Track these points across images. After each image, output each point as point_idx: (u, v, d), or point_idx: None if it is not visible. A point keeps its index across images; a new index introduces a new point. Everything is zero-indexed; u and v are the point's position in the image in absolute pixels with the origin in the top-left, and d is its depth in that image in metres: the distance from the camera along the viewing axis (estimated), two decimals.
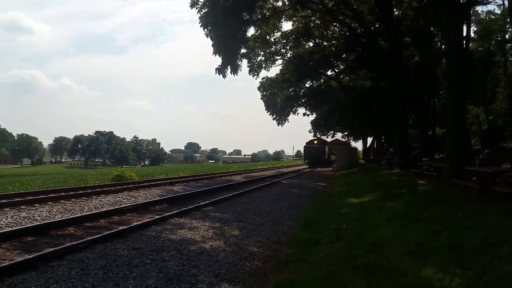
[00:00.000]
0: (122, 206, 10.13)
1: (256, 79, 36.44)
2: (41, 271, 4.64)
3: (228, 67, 23.37)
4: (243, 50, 27.24)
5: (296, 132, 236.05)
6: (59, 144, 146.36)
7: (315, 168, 42.94)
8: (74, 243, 5.78)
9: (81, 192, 14.12)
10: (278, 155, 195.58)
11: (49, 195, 12.78)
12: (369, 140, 50.40)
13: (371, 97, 31.63)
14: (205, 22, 22.16)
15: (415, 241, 5.93)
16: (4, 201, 11.08)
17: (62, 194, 13.45)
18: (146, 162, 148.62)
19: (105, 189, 15.23)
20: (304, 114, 42.06)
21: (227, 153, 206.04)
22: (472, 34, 34.53)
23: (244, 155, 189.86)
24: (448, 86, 12.80)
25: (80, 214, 8.77)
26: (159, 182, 19.29)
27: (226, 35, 22.31)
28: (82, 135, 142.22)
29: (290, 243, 7.14)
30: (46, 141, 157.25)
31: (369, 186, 15.84)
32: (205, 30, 21.33)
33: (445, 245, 5.41)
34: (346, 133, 50.21)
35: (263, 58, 34.36)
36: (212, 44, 22.74)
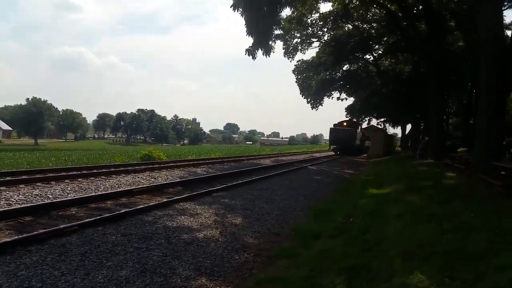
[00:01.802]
0: (133, 187, 10.18)
1: (291, 61, 35.77)
2: (16, 256, 4.64)
3: (259, 49, 22.97)
4: (277, 32, 26.76)
5: (335, 117, 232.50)
6: (102, 121, 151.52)
7: (344, 157, 37.23)
8: (62, 226, 5.80)
9: (104, 170, 14.44)
10: (316, 139, 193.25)
11: (70, 173, 13.14)
12: (408, 127, 48.53)
13: (410, 82, 30.31)
14: (236, 1, 21.79)
15: (416, 241, 5.54)
16: (25, 177, 11.47)
17: (84, 172, 13.81)
18: (185, 141, 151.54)
19: (128, 168, 15.50)
20: (338, 99, 40.93)
21: (265, 135, 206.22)
22: None
23: (282, 138, 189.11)
24: (481, 76, 11.86)
25: (86, 195, 8.87)
26: (185, 163, 19.44)
27: (258, 16, 21.87)
28: (125, 112, 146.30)
29: (291, 235, 6.92)
30: (90, 117, 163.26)
31: (396, 176, 15.22)
32: (236, 10, 20.85)
33: (445, 248, 5.00)
34: (383, 119, 47.50)
35: (298, 40, 33.54)
36: (245, 24, 22.35)
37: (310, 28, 32.57)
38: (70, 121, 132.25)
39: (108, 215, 6.75)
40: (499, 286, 3.75)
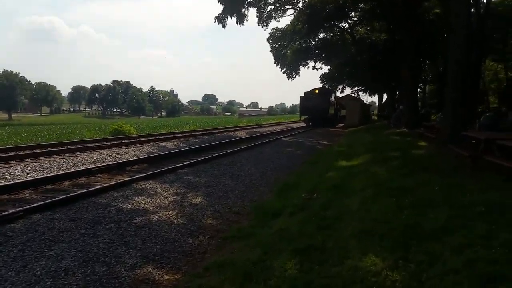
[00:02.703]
0: (95, 166, 9.79)
1: (265, 30, 35.02)
2: None
3: (229, 16, 22.26)
4: None
5: (314, 86, 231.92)
6: (77, 93, 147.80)
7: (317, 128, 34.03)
8: (5, 213, 5.44)
9: (69, 147, 13.95)
10: (295, 109, 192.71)
11: (34, 151, 12.60)
12: (385, 96, 48.54)
13: (385, 50, 30.10)
14: None
15: (374, 217, 5.41)
16: None
17: (48, 149, 13.29)
18: (162, 113, 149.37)
19: (95, 144, 15.01)
20: (314, 68, 40.23)
21: (244, 106, 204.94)
22: None
23: (261, 108, 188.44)
24: (451, 43, 11.63)
25: (42, 175, 8.46)
26: (156, 137, 19.00)
27: None
28: (100, 84, 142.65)
29: (251, 214, 6.74)
30: (65, 89, 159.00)
31: (367, 147, 15.16)
32: None
33: (402, 226, 4.87)
34: (358, 88, 46.88)
35: (272, 7, 32.69)
36: None
37: None
38: (44, 94, 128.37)
39: (59, 198, 6.40)
40: (454, 269, 3.63)
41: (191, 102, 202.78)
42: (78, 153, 12.77)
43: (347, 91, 47.53)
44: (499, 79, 35.57)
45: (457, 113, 11.22)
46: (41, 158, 11.45)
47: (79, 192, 6.87)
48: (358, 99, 43.62)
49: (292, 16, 35.15)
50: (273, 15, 33.25)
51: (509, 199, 5.61)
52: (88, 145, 14.69)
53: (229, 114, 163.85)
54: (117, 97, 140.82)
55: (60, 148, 13.76)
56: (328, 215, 6.08)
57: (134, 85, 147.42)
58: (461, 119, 11.45)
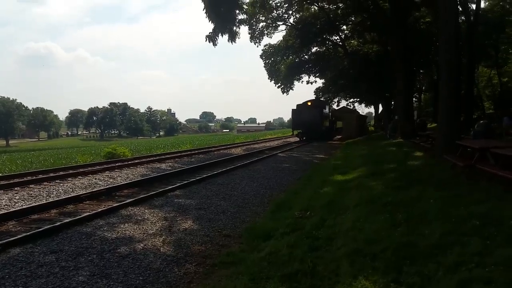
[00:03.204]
0: (84, 192, 9.57)
1: (257, 46, 35.14)
2: None
3: (220, 34, 22.26)
4: (240, 16, 26.07)
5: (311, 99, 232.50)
6: (75, 117, 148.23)
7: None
8: None
9: (61, 173, 13.75)
10: None
11: (24, 178, 12.40)
12: (381, 106, 48.50)
13: (377, 62, 30.18)
14: None
15: (367, 236, 5.22)
16: None
17: (40, 176, 13.08)
18: (160, 133, 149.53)
19: (88, 169, 14.81)
20: (308, 82, 40.17)
21: (242, 122, 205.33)
22: None
23: (259, 124, 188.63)
24: (440, 56, 11.54)
25: (28, 205, 8.24)
26: (150, 158, 18.82)
27: (218, 0, 21.14)
28: (97, 107, 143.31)
29: (242, 237, 6.52)
30: (63, 114, 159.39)
31: (363, 159, 15.02)
32: None
33: (395, 245, 4.68)
34: (353, 100, 46.65)
35: (264, 24, 32.90)
36: (203, 8, 21.50)
37: (275, 11, 31.96)
38: (42, 120, 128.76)
39: (41, 229, 6.18)
40: None
41: (189, 121, 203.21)
42: (69, 179, 12.55)
43: (343, 103, 47.42)
44: (493, 85, 35.66)
45: (451, 121, 11.09)
46: (30, 186, 11.22)
47: (64, 221, 6.65)
48: (354, 111, 43.54)
49: (284, 31, 35.42)
50: (265, 32, 33.50)
51: (506, 211, 5.44)
52: (81, 170, 14.49)
53: (227, 130, 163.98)
54: (115, 119, 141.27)
55: (51, 174, 13.54)
56: (320, 235, 5.88)
57: (131, 106, 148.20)
58: (457, 127, 11.29)
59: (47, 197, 9.72)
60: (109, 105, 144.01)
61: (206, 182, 11.56)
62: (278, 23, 33.46)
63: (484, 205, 5.84)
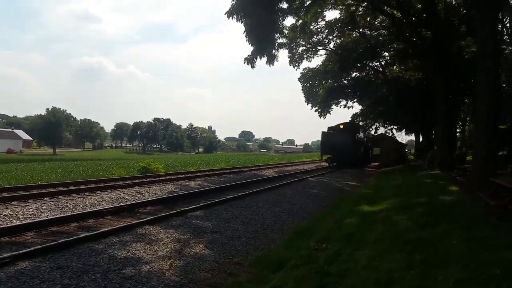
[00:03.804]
0: (101, 208, 9.72)
1: (296, 70, 35.21)
2: None
3: (258, 57, 22.47)
4: (280, 40, 26.32)
5: None
6: (120, 130, 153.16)
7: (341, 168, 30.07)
8: None
9: (93, 185, 14.13)
10: None
11: (56, 189, 12.79)
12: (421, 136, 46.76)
13: (418, 90, 29.36)
14: (236, 9, 21.25)
15: (379, 277, 4.92)
16: (5, 194, 11.20)
17: (71, 187, 13.50)
18: (200, 149, 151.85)
19: (120, 182, 15.16)
20: (345, 106, 39.27)
21: (280, 143, 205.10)
22: None
23: (296, 145, 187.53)
24: (479, 91, 11.00)
25: (49, 217, 8.46)
26: (182, 175, 19.06)
27: (258, 24, 21.40)
28: (141, 121, 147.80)
29: (253, 265, 6.35)
30: (109, 126, 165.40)
31: (395, 190, 14.46)
32: (231, 18, 20.39)
33: None
34: (391, 127, 44.98)
35: (304, 48, 32.98)
36: (244, 31, 21.84)
37: (315, 36, 32.00)
38: (88, 131, 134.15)
39: (53, 243, 6.29)
40: None
41: (228, 139, 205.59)
42: (98, 192, 12.85)
43: (381, 130, 46.05)
44: None
45: (486, 155, 10.48)
46: (59, 197, 11.56)
47: (77, 237, 6.74)
48: (392, 137, 42.01)
49: (324, 56, 35.35)
50: (305, 56, 33.57)
51: None
52: (112, 183, 14.83)
53: (265, 150, 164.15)
54: (158, 134, 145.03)
55: (83, 186, 13.95)
56: (331, 271, 5.62)
57: (174, 122, 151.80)
58: (492, 161, 10.65)
59: (73, 209, 9.98)
60: (153, 120, 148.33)
61: (229, 203, 11.49)
62: (318, 47, 33.49)
63: (510, 251, 5.38)
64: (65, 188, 13.10)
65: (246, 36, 21.87)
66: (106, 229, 7.47)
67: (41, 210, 9.55)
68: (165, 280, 5.31)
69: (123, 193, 12.91)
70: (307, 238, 7.97)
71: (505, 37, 29.36)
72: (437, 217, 8.24)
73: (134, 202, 10.83)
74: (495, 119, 10.59)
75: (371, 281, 4.84)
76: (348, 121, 36.63)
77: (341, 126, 33.86)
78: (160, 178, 17.17)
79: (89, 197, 11.86)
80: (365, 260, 5.84)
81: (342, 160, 31.65)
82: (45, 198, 11.10)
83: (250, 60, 22.48)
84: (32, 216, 8.88)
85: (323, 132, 33.70)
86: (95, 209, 9.57)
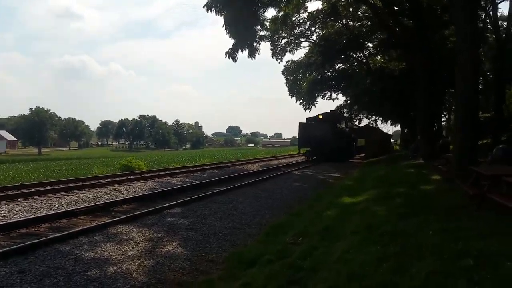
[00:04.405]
0: (75, 208, 9.44)
1: (279, 63, 35.00)
2: None
3: (239, 50, 22.23)
4: (261, 33, 26.05)
5: None
6: (105, 128, 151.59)
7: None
8: None
9: (71, 185, 13.79)
10: None
11: (33, 189, 12.46)
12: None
13: (402, 80, 29.37)
14: (215, 1, 20.84)
15: (351, 271, 4.78)
16: None
17: (48, 187, 13.16)
18: (187, 146, 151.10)
19: (99, 181, 14.85)
20: (330, 98, 39.26)
21: (268, 137, 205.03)
22: None
23: (284, 139, 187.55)
24: (457, 78, 10.94)
25: (20, 218, 8.18)
26: (164, 172, 18.79)
27: (237, 16, 21.13)
28: (127, 119, 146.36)
29: (226, 262, 6.18)
30: (94, 124, 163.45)
31: (377, 181, 14.42)
32: (210, 11, 20.06)
33: (375, 284, 4.25)
34: (375, 118, 44.22)
35: (286, 40, 32.76)
36: (223, 25, 21.53)
37: (298, 28, 31.79)
38: (73, 130, 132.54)
39: (16, 246, 6.01)
40: None
41: (215, 134, 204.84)
42: (75, 191, 12.54)
43: (365, 121, 45.83)
44: None
45: (466, 143, 10.44)
46: (34, 197, 11.24)
47: (44, 238, 6.49)
48: (377, 128, 41.90)
49: (307, 48, 35.16)
50: (287, 48, 33.34)
51: (506, 248, 4.89)
52: (91, 182, 14.54)
53: (252, 145, 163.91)
54: (144, 131, 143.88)
55: (60, 186, 13.61)
56: (304, 265, 5.48)
57: (160, 119, 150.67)
58: (472, 150, 10.61)
59: (48, 210, 9.69)
60: (138, 117, 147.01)
61: (209, 199, 11.29)
62: (301, 39, 33.30)
63: (485, 240, 5.29)
64: (42, 188, 12.75)
65: (225, 29, 21.60)
66: (76, 229, 7.21)
67: (14, 211, 9.24)
68: (131, 281, 5.11)
69: (101, 192, 12.63)
70: (284, 233, 7.83)
71: (489, 25, 29.60)
72: (415, 208, 8.15)
73: (110, 200, 10.55)
74: (474, 108, 10.53)
75: (343, 275, 4.70)
76: (329, 111, 34.42)
77: (320, 117, 31.69)
78: (141, 176, 16.89)
79: (66, 196, 11.56)
80: (339, 253, 5.72)
81: (322, 153, 29.21)
82: (19, 199, 10.77)
83: (231, 54, 22.24)
84: (3, 218, 8.58)
85: (300, 124, 31.26)
86: (68, 209, 9.28)
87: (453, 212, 7.54)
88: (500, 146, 10.90)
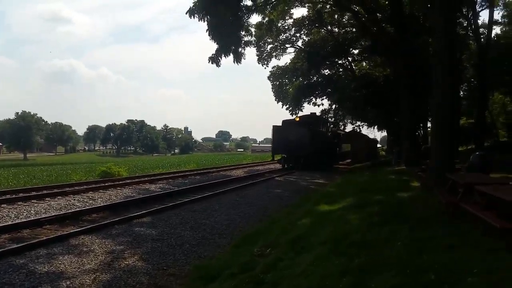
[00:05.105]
0: (41, 217, 9.11)
1: (265, 68, 34.91)
2: None
3: (223, 55, 22.06)
4: (246, 38, 25.92)
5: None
6: (93, 133, 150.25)
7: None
8: None
9: (44, 192, 13.46)
10: None
11: (2, 197, 12.06)
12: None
13: (385, 86, 29.46)
14: (198, 7, 20.67)
15: (311, 286, 4.60)
16: None
17: (20, 195, 12.78)
18: (176, 151, 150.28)
19: (74, 188, 14.51)
20: (315, 104, 38.72)
21: (258, 142, 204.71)
22: (499, 18, 31.81)
23: None
24: (434, 87, 10.87)
25: None
26: (144, 178, 18.48)
27: (221, 22, 21.00)
28: (114, 123, 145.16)
29: (188, 276, 5.94)
30: (82, 129, 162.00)
31: (358, 187, 14.28)
32: (193, 17, 19.91)
33: None
34: (360, 123, 43.74)
35: (272, 46, 32.72)
36: (207, 30, 21.37)
37: (283, 34, 31.79)
38: (60, 134, 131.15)
39: None
40: None
41: (205, 139, 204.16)
42: (47, 199, 12.23)
43: (350, 127, 45.03)
44: (507, 112, 34.46)
45: (443, 150, 10.35)
46: (2, 205, 10.93)
47: (11, 248, 6.21)
48: (362, 134, 41.54)
49: (293, 54, 35.16)
50: (273, 54, 33.30)
51: (472, 262, 4.73)
52: (66, 189, 14.23)
53: (242, 150, 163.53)
54: (132, 136, 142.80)
55: (33, 193, 13.24)
56: (267, 279, 5.27)
57: (148, 123, 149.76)
58: (450, 157, 10.53)
59: (14, 219, 9.37)
60: (126, 122, 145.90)
61: (183, 207, 11.04)
62: (287, 45, 33.34)
63: (453, 253, 5.15)
64: (13, 196, 12.37)
65: (209, 35, 21.45)
66: (34, 241, 6.92)
67: None
68: None
69: (74, 200, 12.33)
70: (255, 243, 7.62)
71: (470, 33, 29.92)
72: (388, 216, 7.98)
73: (78, 209, 10.22)
74: (450, 114, 10.45)
75: None
76: (309, 113, 31.79)
77: (297, 119, 28.66)
78: (119, 182, 16.56)
79: (36, 205, 11.25)
80: (304, 266, 5.53)
81: (298, 160, 26.19)
82: None
83: (215, 59, 22.07)
84: None
85: (274, 126, 27.96)
86: (31, 219, 8.95)
87: (426, 221, 7.38)
88: (477, 153, 10.82)
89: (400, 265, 4.88)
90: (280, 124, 28.23)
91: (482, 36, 28.29)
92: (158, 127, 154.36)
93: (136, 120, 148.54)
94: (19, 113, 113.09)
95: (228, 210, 11.11)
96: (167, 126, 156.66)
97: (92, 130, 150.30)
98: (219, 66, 22.59)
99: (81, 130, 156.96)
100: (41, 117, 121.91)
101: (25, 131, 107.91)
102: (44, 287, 5.05)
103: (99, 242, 7.15)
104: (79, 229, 7.84)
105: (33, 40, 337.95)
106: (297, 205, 12.42)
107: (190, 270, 6.19)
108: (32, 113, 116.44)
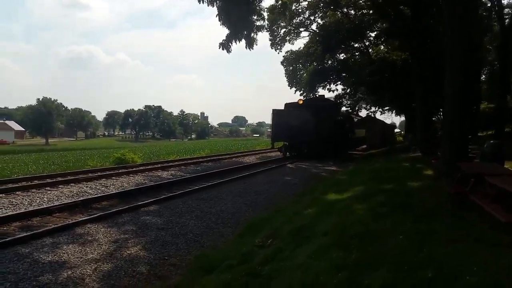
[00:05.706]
0: (53, 205, 9.28)
1: (278, 53, 34.48)
2: None
3: (234, 41, 21.84)
4: (259, 23, 25.58)
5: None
6: (112, 118, 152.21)
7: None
8: None
9: (59, 179, 13.73)
10: None
11: (17, 184, 12.35)
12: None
13: (402, 70, 28.77)
14: None
15: (304, 280, 4.55)
16: None
17: (35, 182, 13.07)
18: (192, 136, 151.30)
19: (88, 175, 14.75)
20: (330, 90, 37.61)
21: None
22: None
23: None
24: (446, 72, 10.46)
25: None
26: (156, 165, 18.66)
27: (232, 6, 20.76)
28: (132, 109, 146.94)
29: (189, 266, 5.98)
30: (101, 114, 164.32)
31: (369, 175, 14.10)
32: (202, 2, 19.71)
33: None
34: (375, 109, 41.62)
35: (285, 30, 32.24)
36: (217, 15, 21.15)
37: (297, 17, 31.25)
38: (80, 120, 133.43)
39: None
40: None
41: (221, 124, 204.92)
42: (60, 186, 12.44)
43: (364, 112, 43.77)
44: None
45: (455, 137, 10.04)
46: (17, 192, 11.15)
47: (4, 240, 6.34)
48: (378, 120, 40.63)
49: (307, 38, 34.61)
50: (287, 38, 32.82)
51: (474, 257, 4.62)
52: (80, 176, 14.45)
53: (257, 135, 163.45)
54: (149, 121, 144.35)
55: (48, 180, 13.52)
56: (264, 272, 5.25)
57: (165, 109, 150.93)
58: (462, 145, 10.23)
59: (28, 206, 9.58)
60: (144, 108, 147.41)
61: (190, 196, 11.10)
62: (300, 29, 32.77)
63: (453, 247, 5.03)
64: (29, 183, 12.62)
65: (219, 20, 21.24)
66: (41, 229, 7.06)
67: None
68: None
69: (87, 187, 12.52)
70: (258, 233, 7.61)
71: (494, 14, 28.88)
72: (394, 207, 7.86)
73: (88, 197, 10.38)
74: (462, 102, 10.12)
75: (296, 285, 4.48)
76: (317, 95, 28.93)
77: (300, 102, 25.81)
78: (132, 169, 16.76)
79: (49, 192, 11.46)
80: (302, 258, 5.48)
81: (302, 147, 23.98)
82: (0, 195, 10.66)
83: (225, 45, 21.88)
84: None
85: (274, 110, 25.13)
86: (41, 207, 9.13)
87: (433, 212, 7.25)
88: (491, 141, 10.48)
89: (399, 259, 4.78)
90: (282, 107, 25.71)
91: (506, 16, 27.26)
92: (175, 113, 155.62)
93: (153, 105, 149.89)
94: (40, 99, 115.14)
95: (235, 198, 11.12)
96: (184, 112, 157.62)
97: (111, 116, 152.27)
98: (230, 52, 22.37)
99: (100, 115, 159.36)
100: (61, 103, 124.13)
101: (46, 117, 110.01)
102: (45, 277, 5.14)
103: (104, 231, 7.25)
104: (86, 218, 7.96)
105: (52, 25, 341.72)
106: (304, 194, 12.33)
107: (191, 261, 6.22)
108: (52, 99, 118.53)
